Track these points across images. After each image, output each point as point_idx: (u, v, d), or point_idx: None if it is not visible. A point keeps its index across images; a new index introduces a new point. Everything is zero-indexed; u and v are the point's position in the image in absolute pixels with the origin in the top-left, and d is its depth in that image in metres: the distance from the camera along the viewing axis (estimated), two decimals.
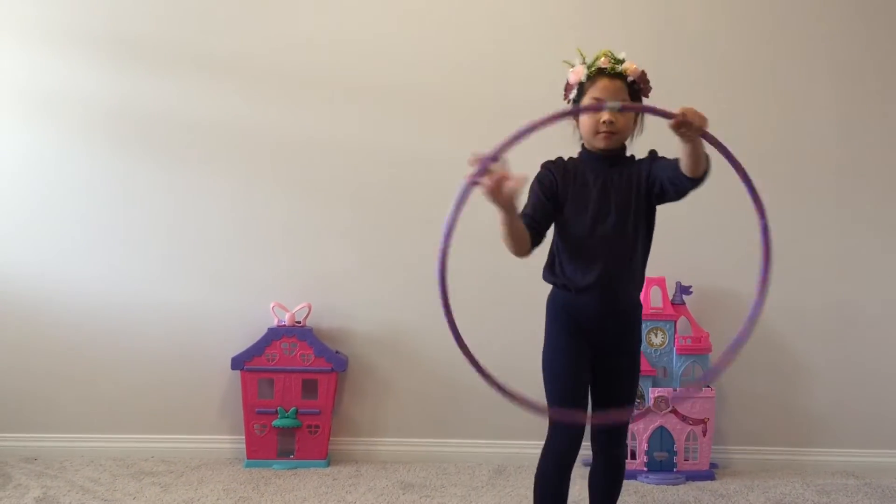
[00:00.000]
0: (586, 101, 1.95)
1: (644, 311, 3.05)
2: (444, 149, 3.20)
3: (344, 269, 3.25)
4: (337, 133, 3.24)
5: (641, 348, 3.03)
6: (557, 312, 2.03)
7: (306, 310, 3.18)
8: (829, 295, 3.27)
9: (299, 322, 3.18)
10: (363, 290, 3.27)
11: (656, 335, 3.11)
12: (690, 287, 3.16)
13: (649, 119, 1.95)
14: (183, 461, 3.13)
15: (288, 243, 3.25)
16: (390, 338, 3.25)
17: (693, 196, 3.33)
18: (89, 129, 3.22)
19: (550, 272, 2.04)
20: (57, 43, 3.20)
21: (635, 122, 2.01)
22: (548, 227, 2.00)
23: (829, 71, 3.29)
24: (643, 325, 3.08)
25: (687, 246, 3.24)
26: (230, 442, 3.20)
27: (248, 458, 3.11)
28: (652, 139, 1.98)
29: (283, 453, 3.14)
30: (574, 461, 2.00)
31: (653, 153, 2.00)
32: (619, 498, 2.12)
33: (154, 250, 3.23)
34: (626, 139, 2.01)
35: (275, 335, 3.13)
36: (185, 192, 3.24)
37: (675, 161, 1.84)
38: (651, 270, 3.11)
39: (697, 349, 3.10)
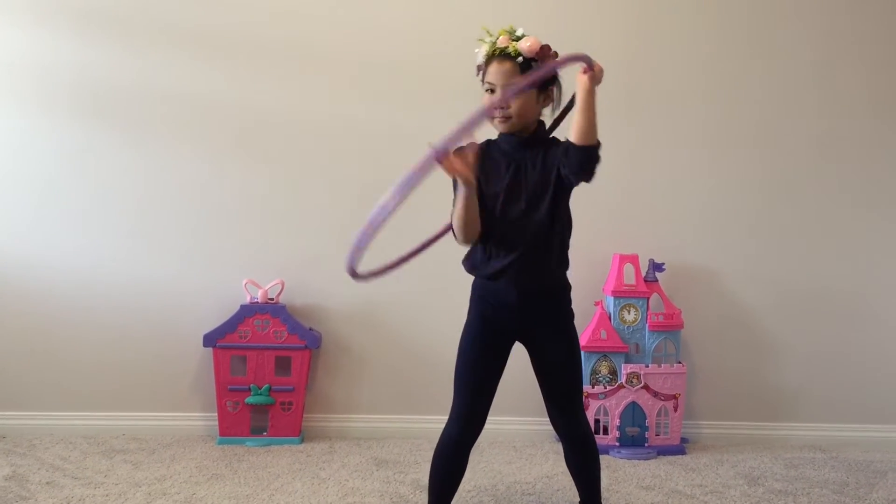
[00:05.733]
0: (485, 86, 1.95)
1: (617, 288, 3.11)
2: (419, 124, 3.16)
3: (317, 246, 3.22)
4: (310, 108, 3.19)
5: (616, 325, 3.09)
6: (475, 300, 2.06)
7: (279, 286, 3.16)
8: (799, 272, 3.30)
9: (272, 299, 3.15)
10: (337, 267, 3.17)
11: (629, 312, 3.12)
12: (663, 264, 3.18)
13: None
14: (155, 439, 3.11)
15: (261, 219, 3.22)
16: (364, 314, 3.24)
17: (667, 173, 3.35)
18: (51, 101, 3.13)
19: (467, 260, 2.05)
20: (14, 12, 3.11)
21: (539, 100, 1.95)
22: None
23: (811, 41, 3.28)
24: (615, 302, 3.11)
25: (660, 223, 3.27)
26: (203, 419, 3.18)
27: (220, 436, 3.10)
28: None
29: (256, 430, 3.13)
30: (466, 448, 2.04)
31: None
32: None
33: (124, 226, 3.18)
34: (528, 121, 1.96)
35: (248, 312, 3.10)
36: (155, 166, 3.18)
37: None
38: (624, 248, 3.16)
39: (670, 325, 3.12)
